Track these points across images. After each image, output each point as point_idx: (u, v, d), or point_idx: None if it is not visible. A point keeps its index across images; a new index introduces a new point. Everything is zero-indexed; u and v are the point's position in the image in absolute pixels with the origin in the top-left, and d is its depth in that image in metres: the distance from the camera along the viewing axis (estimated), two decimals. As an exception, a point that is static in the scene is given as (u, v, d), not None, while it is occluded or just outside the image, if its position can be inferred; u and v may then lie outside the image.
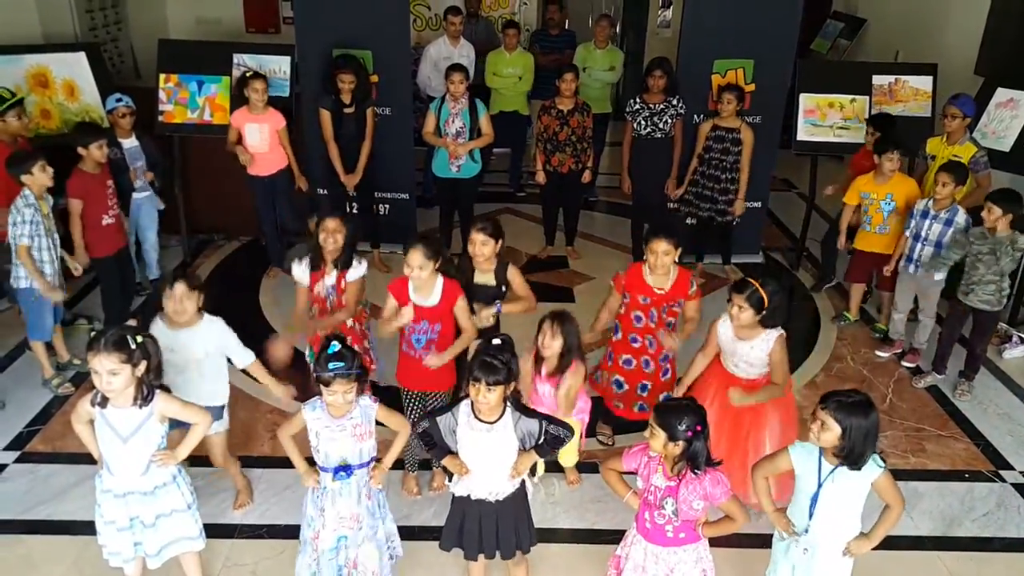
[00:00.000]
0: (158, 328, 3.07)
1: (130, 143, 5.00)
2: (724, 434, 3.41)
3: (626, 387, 3.70)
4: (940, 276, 4.55)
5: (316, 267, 3.64)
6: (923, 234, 4.54)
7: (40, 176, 4.02)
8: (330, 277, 3.65)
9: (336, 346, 2.65)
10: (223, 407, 3.37)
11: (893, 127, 5.07)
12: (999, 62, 5.92)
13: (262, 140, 5.24)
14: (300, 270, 3.66)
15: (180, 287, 3.04)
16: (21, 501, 3.56)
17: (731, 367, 3.40)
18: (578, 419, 3.47)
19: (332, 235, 3.56)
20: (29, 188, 4.03)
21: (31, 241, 4.02)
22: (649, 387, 3.69)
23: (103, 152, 4.47)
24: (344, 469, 2.76)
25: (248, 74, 5.24)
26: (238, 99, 5.44)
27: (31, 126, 4.84)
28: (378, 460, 2.88)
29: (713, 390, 3.46)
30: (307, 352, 3.98)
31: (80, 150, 4.41)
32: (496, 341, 2.67)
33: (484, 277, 3.51)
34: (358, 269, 3.70)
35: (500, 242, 3.46)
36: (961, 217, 4.43)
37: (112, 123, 4.96)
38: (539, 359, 3.31)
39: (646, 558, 2.70)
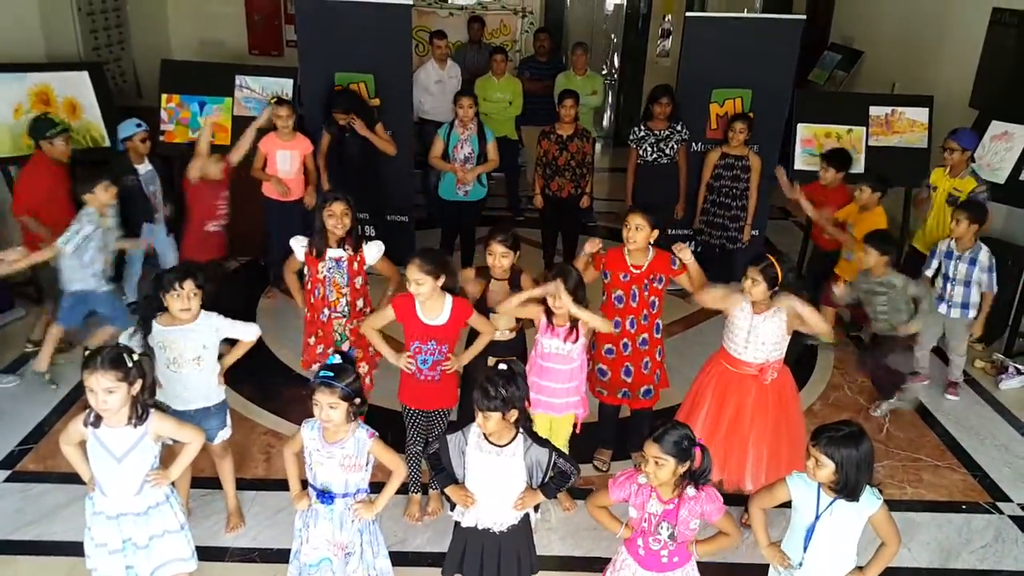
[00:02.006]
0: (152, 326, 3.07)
1: (144, 168, 4.95)
2: (722, 428, 3.45)
3: (609, 374, 3.78)
4: (958, 314, 4.53)
5: (320, 254, 3.67)
6: (950, 274, 4.50)
7: (102, 195, 4.11)
8: (333, 252, 3.68)
9: (336, 358, 2.66)
10: (225, 413, 3.35)
11: (848, 162, 5.13)
12: (993, 95, 5.98)
13: (292, 167, 5.24)
14: (299, 246, 3.73)
15: (189, 284, 3.03)
16: (11, 521, 3.52)
17: (743, 353, 3.39)
18: (575, 412, 3.52)
19: (340, 219, 3.62)
20: (91, 205, 4.09)
21: (75, 248, 4.02)
22: (632, 370, 3.74)
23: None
24: (327, 495, 2.74)
25: (272, 100, 5.24)
26: (237, 120, 5.47)
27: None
28: (368, 493, 2.82)
29: (714, 383, 3.51)
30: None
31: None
32: (502, 367, 2.65)
33: (499, 285, 3.54)
34: (376, 248, 3.75)
35: (518, 254, 3.50)
36: (984, 256, 4.39)
37: (130, 148, 4.90)
38: (549, 312, 3.32)
39: None
